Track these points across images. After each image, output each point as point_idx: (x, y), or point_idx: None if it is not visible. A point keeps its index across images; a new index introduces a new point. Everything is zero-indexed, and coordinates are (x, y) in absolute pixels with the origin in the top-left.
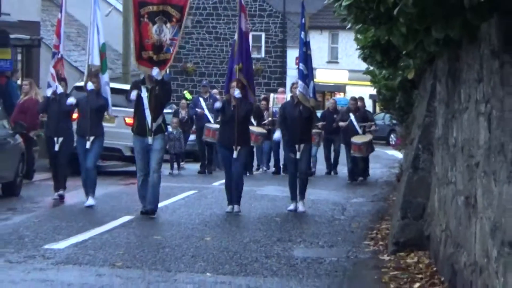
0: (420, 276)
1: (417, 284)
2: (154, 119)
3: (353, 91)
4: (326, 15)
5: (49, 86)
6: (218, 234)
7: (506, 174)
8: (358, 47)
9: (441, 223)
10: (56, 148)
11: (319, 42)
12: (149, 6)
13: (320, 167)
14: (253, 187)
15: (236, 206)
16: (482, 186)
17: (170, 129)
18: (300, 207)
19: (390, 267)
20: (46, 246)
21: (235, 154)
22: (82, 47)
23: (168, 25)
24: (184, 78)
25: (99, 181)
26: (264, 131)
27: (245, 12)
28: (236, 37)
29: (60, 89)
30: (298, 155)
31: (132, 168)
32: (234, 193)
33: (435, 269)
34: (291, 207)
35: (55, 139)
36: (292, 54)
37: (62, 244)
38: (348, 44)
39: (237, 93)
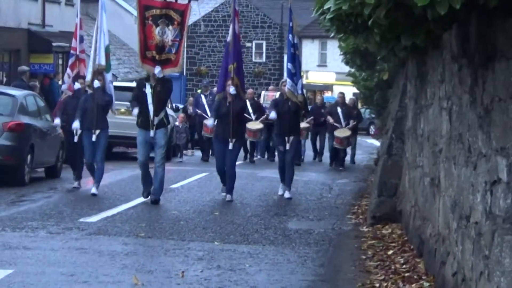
0: (393, 244)
1: (391, 251)
2: (156, 114)
3: (339, 90)
4: (316, 27)
5: (64, 83)
6: (225, 210)
7: (464, 159)
8: (342, 53)
9: (411, 200)
10: (75, 139)
11: (310, 49)
12: (153, 10)
13: (308, 153)
14: (254, 170)
15: (228, 196)
16: (444, 169)
17: (177, 123)
18: (287, 194)
19: (369, 237)
20: (81, 220)
21: (230, 146)
22: (113, 53)
23: (170, 27)
24: (198, 79)
25: (128, 165)
26: (261, 126)
27: (238, 16)
28: (229, 38)
29: (77, 86)
30: (287, 146)
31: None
32: (227, 182)
33: (406, 238)
34: (281, 191)
35: (74, 131)
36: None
37: (94, 218)
38: (335, 51)
39: (232, 90)
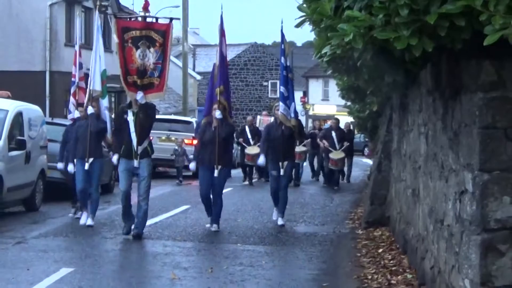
0: (383, 244)
1: (381, 250)
2: (139, 142)
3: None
4: (320, 68)
5: (70, 112)
6: (247, 217)
7: (438, 174)
8: (339, 89)
9: (397, 207)
10: (72, 170)
11: (315, 87)
12: (132, 31)
13: (306, 172)
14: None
15: (214, 225)
16: (423, 182)
17: (176, 146)
18: (280, 221)
19: (363, 238)
20: None
21: (216, 173)
22: None
23: (152, 49)
24: None
25: (168, 182)
26: (259, 150)
27: (225, 37)
28: (216, 61)
29: (77, 114)
30: (281, 172)
31: (188, 172)
32: (213, 211)
33: (393, 239)
34: (274, 216)
35: (74, 161)
36: (297, 95)
37: None
38: (335, 87)
39: (218, 114)
